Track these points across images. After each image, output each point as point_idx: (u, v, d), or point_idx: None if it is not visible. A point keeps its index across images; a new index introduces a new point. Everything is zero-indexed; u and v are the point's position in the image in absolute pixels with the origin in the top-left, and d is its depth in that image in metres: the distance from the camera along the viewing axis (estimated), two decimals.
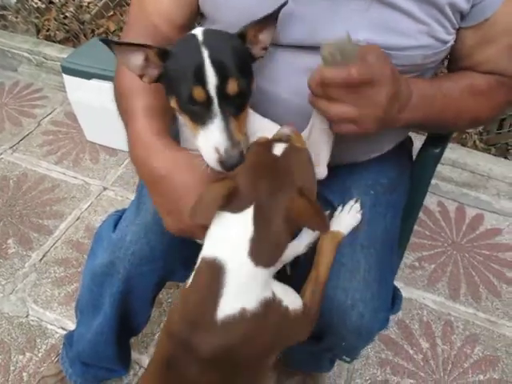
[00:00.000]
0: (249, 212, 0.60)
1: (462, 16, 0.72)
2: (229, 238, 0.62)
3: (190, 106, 0.64)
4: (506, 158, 1.79)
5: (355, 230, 0.81)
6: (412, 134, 1.03)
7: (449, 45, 0.75)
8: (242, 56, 0.67)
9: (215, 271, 0.61)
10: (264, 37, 0.70)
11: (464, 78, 0.78)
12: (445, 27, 0.72)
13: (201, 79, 0.62)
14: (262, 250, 0.61)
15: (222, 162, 0.63)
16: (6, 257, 1.57)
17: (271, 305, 0.63)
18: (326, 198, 0.88)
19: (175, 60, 0.66)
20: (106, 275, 0.92)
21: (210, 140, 0.63)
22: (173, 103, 0.68)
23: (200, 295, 0.63)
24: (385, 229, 0.84)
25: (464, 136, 1.83)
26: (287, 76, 0.76)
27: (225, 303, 0.61)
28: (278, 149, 0.64)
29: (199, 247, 0.97)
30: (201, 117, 0.64)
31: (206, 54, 0.62)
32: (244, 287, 0.62)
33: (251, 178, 0.62)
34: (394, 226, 0.88)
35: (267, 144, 0.65)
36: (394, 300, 0.85)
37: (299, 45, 0.74)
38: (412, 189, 0.97)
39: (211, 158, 0.64)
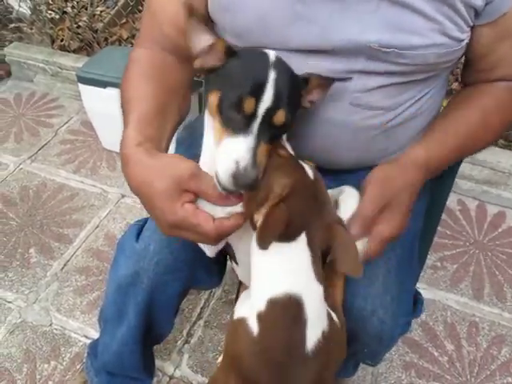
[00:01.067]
0: (303, 239, 0.59)
1: (477, 13, 0.71)
2: (295, 269, 0.60)
3: (231, 110, 0.63)
4: None
5: None
6: None
7: (463, 44, 0.73)
8: (297, 96, 0.68)
9: (293, 306, 0.59)
10: (317, 92, 0.71)
11: (475, 110, 0.79)
12: (458, 25, 0.70)
13: (257, 94, 0.61)
14: (320, 271, 0.61)
15: (235, 177, 0.60)
16: (29, 266, 1.59)
17: (331, 319, 0.64)
18: None
19: (240, 63, 0.66)
20: (130, 285, 0.92)
21: (233, 150, 0.62)
22: (213, 99, 0.66)
23: (285, 335, 0.60)
24: (405, 233, 0.83)
25: None
26: None
27: (310, 333, 0.60)
28: (309, 171, 0.64)
29: (222, 254, 0.98)
30: (235, 126, 0.62)
31: (272, 75, 0.62)
32: (320, 311, 0.62)
33: (300, 202, 0.60)
34: (414, 230, 0.87)
35: (299, 165, 0.64)
36: (415, 304, 0.84)
37: (311, 49, 0.73)
38: (434, 190, 0.95)
39: (226, 169, 0.61)
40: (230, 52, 0.66)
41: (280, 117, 0.62)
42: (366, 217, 0.67)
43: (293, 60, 0.73)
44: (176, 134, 1.03)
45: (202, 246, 0.77)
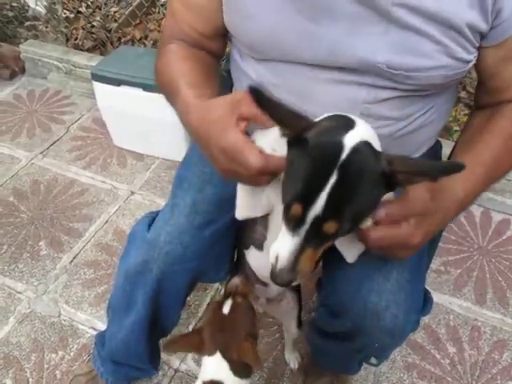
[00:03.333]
0: (218, 354, 0.86)
1: (482, 36, 0.72)
2: (216, 370, 0.88)
3: (286, 206, 0.58)
4: None
5: None
6: (441, 140, 1.04)
7: (471, 64, 0.74)
8: (366, 200, 0.56)
9: None
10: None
11: (495, 136, 0.76)
12: (464, 47, 0.71)
13: (307, 200, 0.54)
14: (239, 368, 0.87)
15: (272, 271, 0.60)
16: (38, 258, 1.62)
17: None
18: None
19: (302, 158, 0.56)
20: (140, 274, 0.94)
21: (279, 246, 0.59)
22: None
23: None
24: None
25: None
26: (312, 90, 0.78)
27: None
28: (226, 307, 0.88)
29: (231, 249, 1.00)
30: (289, 222, 0.58)
31: (333, 178, 0.53)
32: None
33: (211, 332, 0.88)
34: None
35: (220, 303, 0.90)
36: (425, 302, 0.86)
37: (321, 64, 0.75)
38: None
39: (270, 256, 0.61)
40: (298, 141, 0.57)
41: (330, 228, 0.55)
42: (403, 208, 0.60)
43: (305, 71, 0.76)
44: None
45: (238, 201, 0.76)
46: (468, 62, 0.73)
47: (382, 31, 0.69)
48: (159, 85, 0.86)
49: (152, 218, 0.98)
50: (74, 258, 1.62)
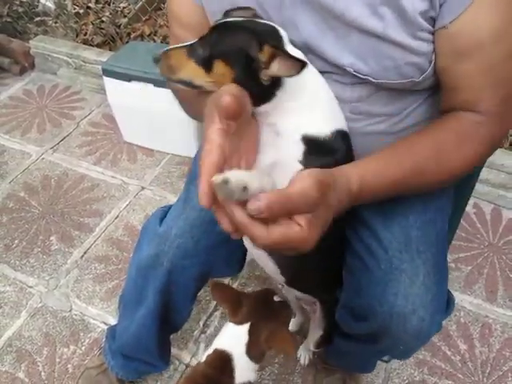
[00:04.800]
0: (245, 327, 0.87)
1: (434, 21, 0.66)
2: (233, 341, 0.89)
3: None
4: None
5: (407, 235, 0.82)
6: None
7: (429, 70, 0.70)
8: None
9: (225, 357, 0.88)
10: (278, 69, 0.60)
11: (429, 144, 0.70)
12: (422, 40, 0.67)
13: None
14: (254, 351, 0.88)
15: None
16: (50, 253, 1.63)
17: None
18: (365, 220, 0.86)
19: None
20: (151, 267, 0.96)
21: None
22: None
23: (214, 372, 0.88)
24: (436, 233, 0.84)
25: None
26: None
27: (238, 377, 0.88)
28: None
29: (242, 244, 1.00)
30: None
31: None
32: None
33: (254, 305, 0.90)
34: (444, 229, 0.89)
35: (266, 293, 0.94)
36: (448, 303, 0.85)
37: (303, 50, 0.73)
38: (456, 194, 0.97)
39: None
40: None
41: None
42: (291, 200, 0.50)
43: None
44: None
45: None
46: (430, 55, 0.68)
47: (345, 34, 0.68)
48: (180, 98, 0.85)
49: (164, 213, 0.99)
50: (84, 252, 1.63)
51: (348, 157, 0.70)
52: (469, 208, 1.75)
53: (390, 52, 0.67)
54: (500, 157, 1.72)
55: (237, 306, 0.90)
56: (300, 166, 0.65)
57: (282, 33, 0.66)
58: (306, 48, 0.70)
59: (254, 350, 0.87)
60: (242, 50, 0.61)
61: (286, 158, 0.66)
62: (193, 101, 0.75)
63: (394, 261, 0.80)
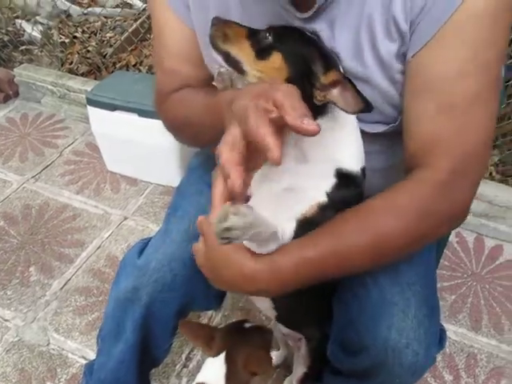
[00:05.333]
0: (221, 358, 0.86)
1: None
2: (212, 374, 0.86)
3: None
4: None
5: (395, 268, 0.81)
6: None
7: None
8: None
9: None
10: (335, 93, 0.59)
11: (366, 232, 0.64)
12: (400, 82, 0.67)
13: None
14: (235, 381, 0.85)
15: None
16: (28, 285, 1.59)
17: None
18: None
19: None
20: (129, 301, 0.94)
21: None
22: None
23: None
24: (425, 264, 0.84)
25: None
26: None
27: None
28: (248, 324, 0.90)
29: None
30: None
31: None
32: None
33: (225, 333, 0.90)
34: (431, 261, 0.89)
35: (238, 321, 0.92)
36: (440, 335, 0.84)
37: None
38: None
39: None
40: None
41: None
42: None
43: None
44: (189, 160, 1.06)
45: None
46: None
47: None
48: (172, 119, 0.83)
49: (144, 245, 0.98)
50: (65, 284, 1.59)
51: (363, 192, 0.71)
52: (451, 237, 1.77)
53: (373, 95, 0.67)
54: (481, 187, 1.73)
55: (209, 340, 0.88)
56: (325, 199, 0.64)
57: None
58: None
59: (234, 379, 0.84)
60: (308, 59, 0.60)
61: (309, 187, 0.65)
62: (194, 120, 0.75)
63: (384, 293, 0.79)
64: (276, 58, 0.62)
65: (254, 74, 0.63)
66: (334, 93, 0.58)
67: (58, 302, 1.54)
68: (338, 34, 0.67)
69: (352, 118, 0.68)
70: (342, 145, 0.66)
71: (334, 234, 0.64)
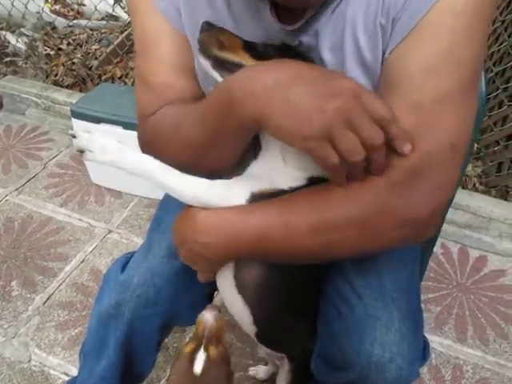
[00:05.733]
0: None
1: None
2: None
3: None
4: (506, 199, 1.82)
5: (380, 282, 0.81)
6: None
7: None
8: None
9: None
10: None
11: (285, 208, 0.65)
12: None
13: None
14: None
15: None
16: (10, 299, 1.56)
17: None
18: (339, 266, 0.83)
19: None
20: (112, 317, 0.92)
21: None
22: None
23: None
24: (408, 276, 0.84)
25: (464, 179, 1.87)
26: None
27: None
28: (198, 364, 0.72)
29: (206, 292, 0.98)
30: None
31: None
32: None
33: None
34: (416, 273, 0.89)
35: (190, 358, 0.73)
36: (423, 348, 0.83)
37: None
38: None
39: None
40: None
41: None
42: None
43: None
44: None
45: None
46: None
47: None
48: (158, 135, 0.77)
49: (127, 259, 0.97)
50: (47, 298, 1.57)
51: None
52: (436, 248, 1.78)
53: None
54: (464, 198, 1.77)
55: None
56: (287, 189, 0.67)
57: None
58: None
59: None
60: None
61: (278, 182, 0.67)
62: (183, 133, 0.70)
63: (368, 308, 0.78)
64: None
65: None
66: None
67: (40, 317, 1.51)
68: (322, 43, 0.67)
69: None
70: None
71: (283, 205, 0.64)
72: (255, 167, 0.69)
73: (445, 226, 1.80)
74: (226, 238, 0.66)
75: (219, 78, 0.66)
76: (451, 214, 1.78)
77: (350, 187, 0.60)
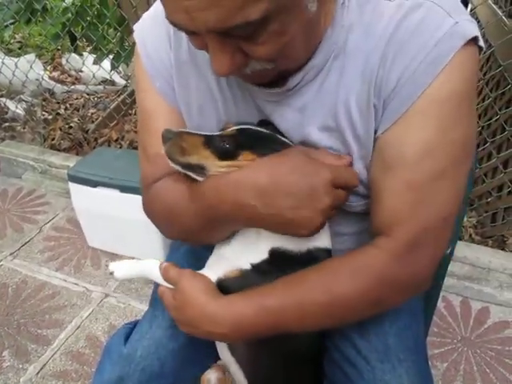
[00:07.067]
0: None
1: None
2: None
3: None
4: (503, 249, 1.83)
5: (385, 344, 0.80)
6: None
7: None
8: None
9: None
10: None
11: (295, 288, 0.68)
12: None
13: None
14: None
15: None
16: (0, 371, 1.50)
17: None
18: (340, 329, 0.83)
19: None
20: None
21: None
22: None
23: None
24: (414, 338, 0.83)
25: (460, 230, 1.88)
26: None
27: None
28: None
29: (211, 362, 0.95)
30: None
31: None
32: None
33: None
34: (421, 333, 0.88)
35: None
36: None
37: None
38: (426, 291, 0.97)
39: None
40: None
41: None
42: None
43: None
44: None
45: None
46: None
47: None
48: (158, 212, 0.81)
49: (130, 329, 0.94)
50: (41, 368, 1.51)
51: None
52: (438, 302, 1.76)
53: None
54: (461, 249, 1.77)
55: None
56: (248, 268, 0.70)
57: None
58: None
59: None
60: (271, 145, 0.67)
61: (242, 261, 0.71)
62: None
63: (376, 372, 0.77)
64: (247, 157, 0.66)
65: (220, 170, 0.67)
66: None
67: None
68: (309, 120, 0.70)
69: None
70: None
71: (295, 288, 0.67)
72: (228, 249, 0.75)
73: (445, 279, 1.79)
74: (241, 329, 0.68)
75: (196, 177, 0.70)
76: (450, 267, 1.77)
77: (353, 261, 0.67)
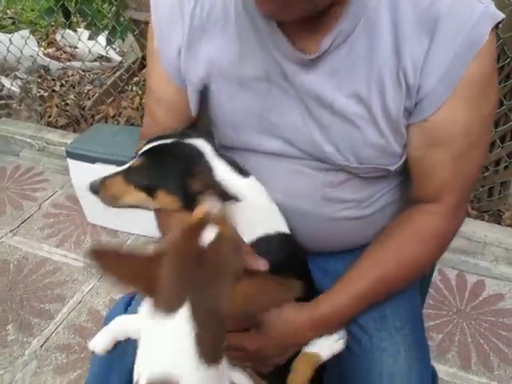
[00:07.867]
0: (183, 311, 0.49)
1: (409, 113, 0.72)
2: (172, 347, 0.50)
3: None
4: (499, 223, 1.85)
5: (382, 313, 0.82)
6: None
7: (403, 159, 0.77)
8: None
9: None
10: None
11: (375, 267, 0.77)
12: (401, 134, 0.73)
13: None
14: (210, 349, 0.50)
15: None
16: (5, 344, 1.53)
17: None
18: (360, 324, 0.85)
19: None
20: (115, 358, 0.90)
21: None
22: None
23: None
24: (411, 308, 0.85)
25: None
26: (274, 179, 0.80)
27: None
28: (206, 238, 0.53)
29: None
30: None
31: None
32: None
33: (178, 270, 0.51)
34: (417, 303, 0.89)
35: (193, 233, 0.53)
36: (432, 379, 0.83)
37: (278, 153, 0.79)
38: None
39: None
40: None
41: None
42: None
43: (267, 160, 0.79)
44: None
45: None
46: (401, 156, 0.76)
47: (327, 123, 0.73)
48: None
49: (129, 299, 0.96)
50: (44, 341, 1.54)
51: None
52: (434, 275, 1.78)
53: (368, 145, 0.73)
54: None
55: (148, 282, 0.50)
56: None
57: (206, 150, 0.73)
58: (284, 139, 0.76)
59: (208, 341, 0.49)
60: (179, 181, 0.70)
61: None
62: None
63: (373, 340, 0.79)
64: (162, 195, 0.72)
65: (156, 207, 0.74)
66: (209, 196, 0.68)
67: (37, 361, 1.48)
68: (339, 84, 0.71)
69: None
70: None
71: (378, 265, 0.77)
72: None
73: None
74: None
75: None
76: None
77: (415, 228, 0.78)
